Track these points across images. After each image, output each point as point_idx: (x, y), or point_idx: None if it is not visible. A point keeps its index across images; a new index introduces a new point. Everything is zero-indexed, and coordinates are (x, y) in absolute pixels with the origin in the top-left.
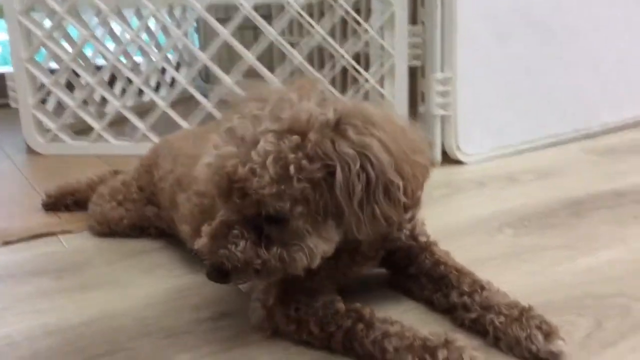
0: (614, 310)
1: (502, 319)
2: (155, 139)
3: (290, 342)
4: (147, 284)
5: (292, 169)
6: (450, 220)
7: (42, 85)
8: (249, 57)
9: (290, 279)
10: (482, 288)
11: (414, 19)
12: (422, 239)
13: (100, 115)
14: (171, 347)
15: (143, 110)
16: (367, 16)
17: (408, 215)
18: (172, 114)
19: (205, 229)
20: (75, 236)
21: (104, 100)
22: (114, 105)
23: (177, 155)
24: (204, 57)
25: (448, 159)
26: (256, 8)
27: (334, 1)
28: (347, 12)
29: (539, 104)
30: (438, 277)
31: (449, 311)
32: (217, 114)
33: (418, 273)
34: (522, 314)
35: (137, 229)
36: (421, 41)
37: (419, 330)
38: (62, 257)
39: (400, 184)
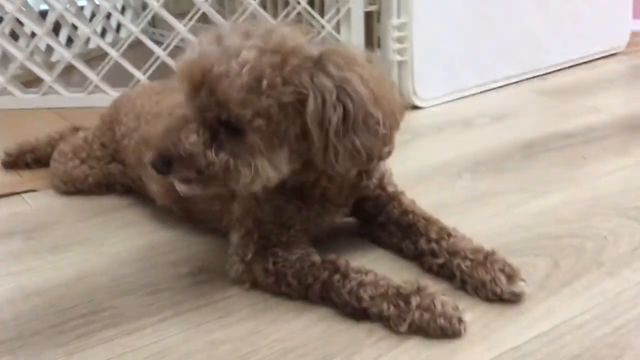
0: (568, 250)
1: (467, 263)
2: (108, 89)
3: (269, 294)
4: (121, 241)
5: (264, 83)
6: (412, 166)
7: None
8: (201, 1)
9: (266, 233)
10: (449, 235)
11: None
12: (390, 188)
13: (48, 65)
14: (154, 303)
15: (91, 58)
16: None
17: (386, 149)
18: (125, 63)
19: (163, 122)
20: (40, 195)
21: (49, 49)
22: (65, 56)
23: (140, 113)
24: (155, 5)
25: (405, 104)
26: None
27: None
28: None
29: (491, 46)
30: (406, 226)
31: (418, 257)
32: (170, 62)
33: (387, 222)
34: (487, 258)
35: (103, 187)
36: None
37: (392, 279)
38: (30, 217)
39: (380, 117)
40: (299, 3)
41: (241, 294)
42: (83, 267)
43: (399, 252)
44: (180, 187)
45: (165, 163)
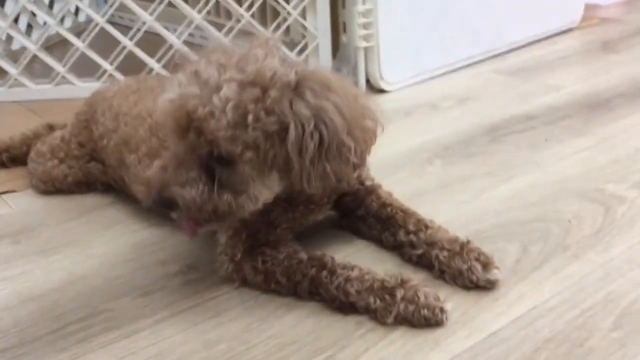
0: (536, 235)
1: (445, 253)
2: (75, 80)
3: (259, 291)
4: (108, 241)
5: (250, 117)
6: (383, 154)
7: None
8: None
9: (254, 233)
10: (426, 227)
11: None
12: (368, 182)
13: (10, 54)
14: (148, 305)
15: (51, 45)
16: None
17: (355, 174)
18: (92, 54)
19: (157, 162)
20: (20, 195)
21: (9, 37)
22: (30, 47)
23: (118, 114)
24: None
25: (372, 88)
26: None
27: None
28: None
29: (453, 28)
30: (385, 218)
31: (397, 248)
32: (137, 51)
33: (366, 215)
34: (463, 248)
35: (83, 185)
36: None
37: (376, 273)
38: (13, 219)
39: (352, 145)
40: None
41: (232, 292)
42: (74, 270)
43: (379, 243)
44: (186, 228)
45: (169, 207)
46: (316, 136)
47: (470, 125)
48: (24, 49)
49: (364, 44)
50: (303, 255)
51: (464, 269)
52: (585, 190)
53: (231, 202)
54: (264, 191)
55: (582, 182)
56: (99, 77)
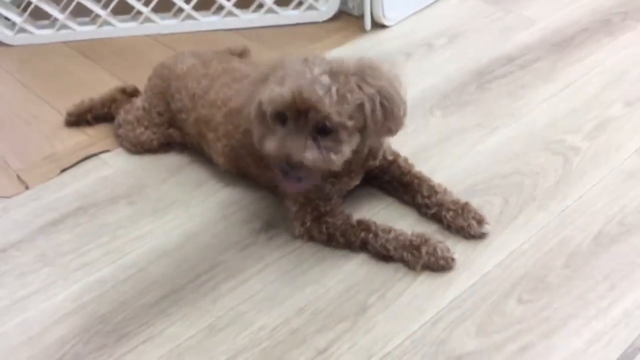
0: (513, 188)
1: (451, 213)
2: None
3: (323, 245)
4: (201, 202)
5: (348, 96)
6: None
7: None
8: None
9: (316, 205)
10: (436, 192)
11: None
12: (390, 157)
13: None
14: (248, 258)
15: None
16: None
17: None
18: None
19: (270, 139)
20: (114, 155)
21: None
22: None
23: (194, 95)
24: None
25: (375, 24)
26: None
27: None
28: None
29: None
30: (405, 184)
31: (415, 207)
32: None
33: (391, 180)
34: (463, 209)
35: (165, 147)
36: None
37: (407, 233)
38: (118, 180)
39: (401, 109)
40: None
41: (303, 246)
42: (185, 228)
43: (402, 201)
44: (291, 186)
45: (300, 166)
46: (380, 107)
47: (461, 70)
48: None
49: None
50: (353, 222)
51: (464, 226)
52: (549, 142)
53: (335, 159)
54: (348, 150)
55: (546, 133)
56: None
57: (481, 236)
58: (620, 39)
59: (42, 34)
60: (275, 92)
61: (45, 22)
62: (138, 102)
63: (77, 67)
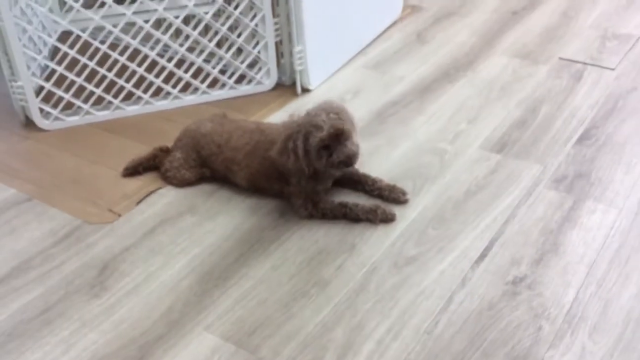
0: (416, 174)
1: (386, 192)
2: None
3: (320, 221)
4: (233, 209)
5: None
6: None
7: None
8: None
9: (313, 197)
10: (375, 182)
11: (274, 12)
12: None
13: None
14: (277, 233)
15: None
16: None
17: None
18: None
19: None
20: (166, 190)
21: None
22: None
23: (219, 145)
24: None
25: (303, 90)
26: None
27: None
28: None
29: (341, 45)
30: (356, 181)
31: (365, 192)
32: None
33: (348, 180)
34: (393, 188)
35: (200, 180)
36: (280, 26)
37: (367, 205)
38: (176, 203)
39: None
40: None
41: (309, 222)
42: (233, 224)
43: (356, 190)
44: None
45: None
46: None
47: (367, 113)
48: None
49: (299, 67)
50: (336, 203)
51: (396, 197)
52: (429, 148)
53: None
54: None
55: (428, 143)
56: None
57: (405, 202)
58: (457, 85)
59: (71, 120)
60: (319, 135)
61: (70, 110)
62: (177, 154)
63: (104, 139)
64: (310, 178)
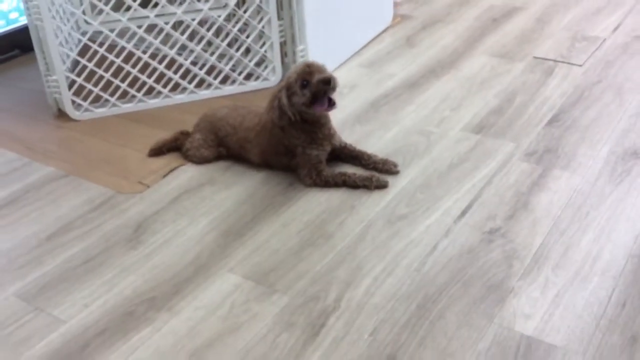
0: (406, 151)
1: (380, 164)
2: None
3: (324, 188)
4: (250, 179)
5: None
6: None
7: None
8: None
9: (315, 166)
10: (370, 156)
11: (279, 16)
12: (343, 144)
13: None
14: (286, 198)
15: None
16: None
17: (338, 140)
18: None
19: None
20: (187, 166)
21: None
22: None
23: (234, 126)
24: None
25: None
26: None
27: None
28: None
29: (340, 41)
30: (354, 156)
31: (362, 166)
32: None
33: (346, 155)
34: (387, 162)
35: (217, 158)
36: (284, 28)
37: (363, 174)
38: (197, 176)
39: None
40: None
41: (313, 189)
42: (248, 191)
43: (354, 164)
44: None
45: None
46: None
47: (362, 103)
48: None
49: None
50: (336, 173)
51: (388, 169)
52: (417, 130)
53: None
54: None
55: (416, 127)
56: (213, 110)
57: (396, 173)
58: (442, 80)
59: (99, 111)
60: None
61: (98, 103)
62: (197, 135)
63: (130, 127)
64: (308, 143)
